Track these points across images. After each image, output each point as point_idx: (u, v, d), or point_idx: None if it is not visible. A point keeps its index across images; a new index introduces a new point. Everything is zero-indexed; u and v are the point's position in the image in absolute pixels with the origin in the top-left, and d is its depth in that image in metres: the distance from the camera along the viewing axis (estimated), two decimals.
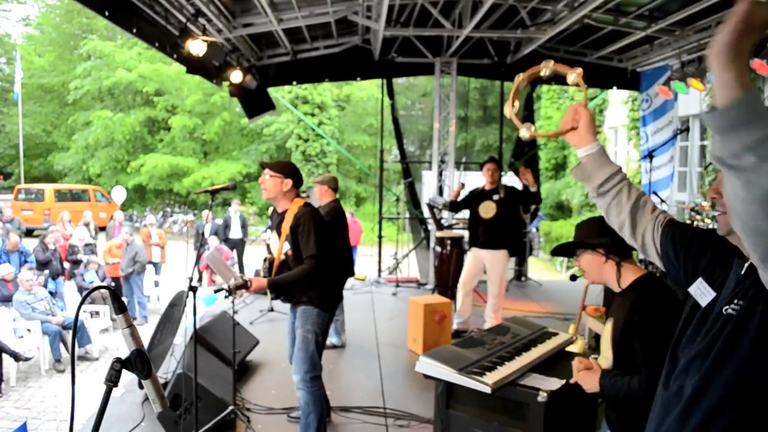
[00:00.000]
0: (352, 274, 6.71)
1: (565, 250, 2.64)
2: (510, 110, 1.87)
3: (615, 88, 10.62)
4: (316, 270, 3.80)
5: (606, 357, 2.56)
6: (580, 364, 2.53)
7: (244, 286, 3.78)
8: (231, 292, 3.77)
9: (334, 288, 4.13)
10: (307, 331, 3.90)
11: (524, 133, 1.88)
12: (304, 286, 3.91)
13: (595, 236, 2.50)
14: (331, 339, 6.59)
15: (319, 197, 6.41)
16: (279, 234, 4.00)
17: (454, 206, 6.97)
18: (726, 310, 1.42)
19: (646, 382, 2.26)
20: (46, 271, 10.24)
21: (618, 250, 2.46)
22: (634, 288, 2.44)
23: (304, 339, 3.90)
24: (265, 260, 4.14)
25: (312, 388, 3.91)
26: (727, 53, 1.08)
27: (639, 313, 2.35)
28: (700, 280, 1.58)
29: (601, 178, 1.79)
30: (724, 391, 1.37)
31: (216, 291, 3.94)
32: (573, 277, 2.73)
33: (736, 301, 1.41)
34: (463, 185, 6.96)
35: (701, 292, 1.57)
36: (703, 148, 13.93)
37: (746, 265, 1.43)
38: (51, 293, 9.07)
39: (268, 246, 4.23)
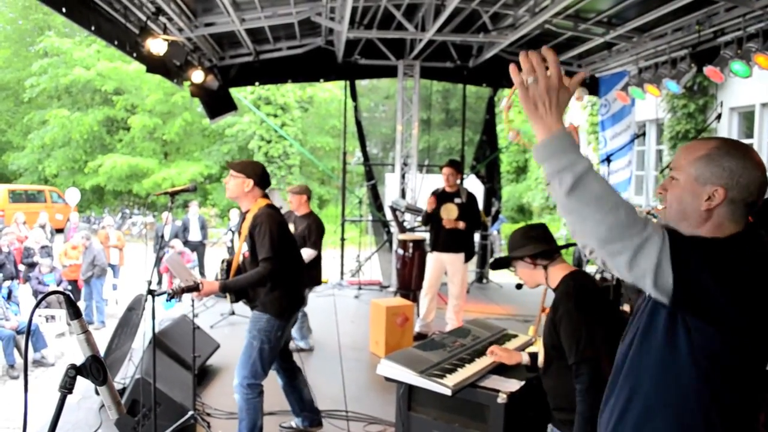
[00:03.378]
0: (319, 282, 6.69)
1: (501, 264, 2.88)
2: (506, 116, 2.05)
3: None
4: (270, 273, 3.71)
5: (540, 352, 2.68)
6: (495, 350, 3.13)
7: (195, 288, 3.69)
8: (174, 294, 3.65)
9: (291, 296, 3.89)
10: (252, 337, 3.82)
11: (511, 135, 2.04)
12: (257, 291, 3.83)
13: (519, 246, 2.71)
14: (299, 343, 6.56)
15: (297, 208, 6.40)
16: (240, 235, 3.96)
17: (429, 218, 6.92)
18: (642, 301, 1.68)
19: (590, 380, 2.36)
20: (0, 275, 9.96)
21: (542, 254, 2.66)
22: (562, 284, 2.61)
23: (248, 344, 3.84)
24: (222, 261, 4.08)
25: (247, 395, 3.82)
26: (529, 113, 1.52)
27: (560, 306, 2.51)
28: None
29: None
30: (646, 369, 1.60)
31: (157, 294, 3.81)
32: (518, 286, 2.91)
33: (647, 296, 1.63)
34: (435, 197, 6.85)
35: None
36: (659, 152, 14.26)
37: None
38: (4, 297, 8.83)
39: (230, 248, 4.17)
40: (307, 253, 5.94)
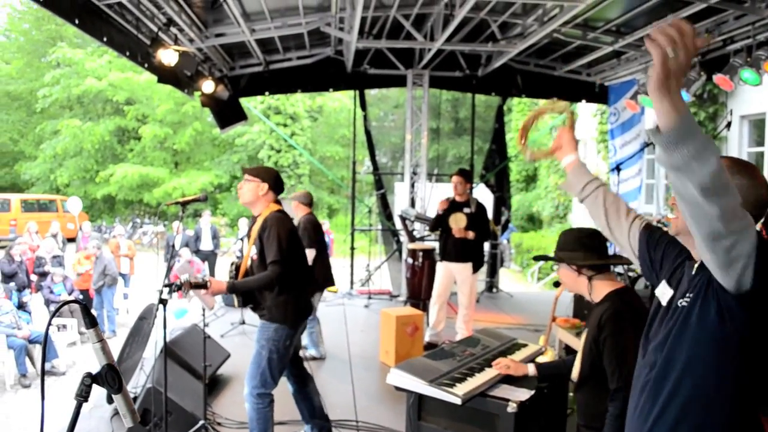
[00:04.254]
0: (332, 284, 6.71)
1: (545, 259, 2.84)
2: (520, 143, 2.05)
3: (584, 101, 10.80)
4: (279, 277, 3.68)
5: (576, 366, 2.62)
6: (500, 364, 3.12)
7: (203, 285, 3.69)
8: (182, 287, 3.63)
9: (298, 303, 3.88)
10: (261, 347, 3.81)
11: (528, 157, 2.05)
12: (264, 296, 3.82)
13: (569, 250, 2.62)
14: (310, 351, 6.57)
15: (294, 212, 6.47)
16: (249, 238, 3.96)
17: (436, 223, 6.93)
18: (680, 303, 1.69)
19: (623, 404, 2.25)
20: (12, 284, 10.03)
21: (591, 264, 2.57)
22: (607, 301, 2.51)
23: (257, 353, 3.83)
24: (232, 264, 4.09)
25: (258, 404, 3.82)
26: (660, 91, 1.36)
27: (607, 327, 2.42)
28: (663, 282, 1.84)
29: (580, 186, 2.12)
30: (684, 366, 1.63)
31: (166, 285, 3.78)
32: (556, 284, 2.85)
33: (687, 295, 1.68)
34: (448, 202, 6.82)
35: (663, 292, 1.82)
36: None
37: (696, 265, 1.71)
38: (17, 306, 8.89)
39: (239, 257, 4.16)
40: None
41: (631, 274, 6.56)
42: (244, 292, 3.87)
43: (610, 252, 2.75)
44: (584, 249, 2.58)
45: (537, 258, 3.03)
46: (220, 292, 3.81)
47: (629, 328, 2.37)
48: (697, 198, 1.38)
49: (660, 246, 1.91)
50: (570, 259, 2.59)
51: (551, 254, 2.72)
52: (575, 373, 2.64)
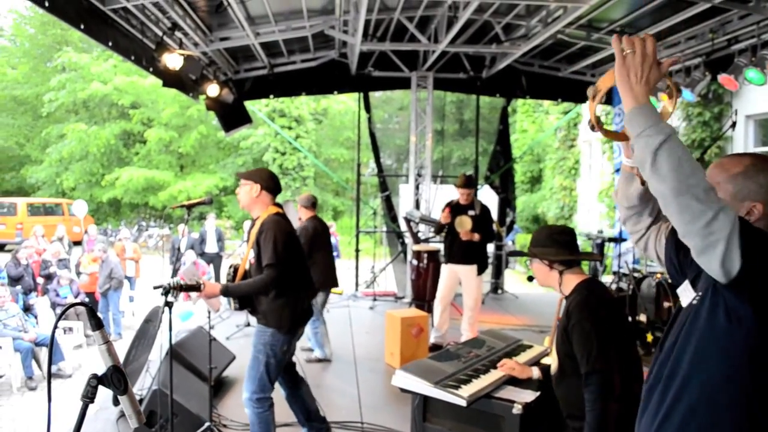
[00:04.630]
0: (335, 285, 6.71)
1: (518, 254, 2.91)
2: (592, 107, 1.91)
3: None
4: (273, 281, 3.64)
5: (553, 360, 2.67)
6: (505, 366, 3.18)
7: (197, 288, 3.64)
8: (172, 289, 3.57)
9: (294, 308, 3.82)
10: (258, 351, 3.79)
11: (591, 128, 1.97)
12: (260, 300, 3.79)
13: (542, 246, 2.73)
14: (316, 353, 6.58)
15: (299, 215, 6.50)
16: (248, 242, 3.95)
17: (442, 228, 6.94)
18: (693, 302, 1.70)
19: (597, 387, 2.37)
20: (19, 287, 10.07)
21: (563, 260, 2.68)
22: (575, 292, 2.62)
23: (254, 359, 3.81)
24: (230, 266, 4.08)
25: (258, 409, 3.81)
26: (622, 81, 1.63)
27: (573, 315, 2.52)
28: (686, 282, 1.80)
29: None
30: (691, 362, 1.63)
31: (155, 287, 3.75)
32: (530, 278, 2.93)
33: (699, 293, 1.68)
34: (450, 208, 6.82)
35: (685, 293, 1.79)
36: None
37: None
38: (23, 309, 8.92)
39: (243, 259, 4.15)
40: None
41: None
42: (240, 296, 3.83)
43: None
44: (556, 245, 2.70)
45: (511, 254, 3.13)
46: (213, 295, 3.76)
47: (594, 313, 2.48)
48: (652, 181, 1.52)
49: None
50: (542, 255, 2.70)
51: (525, 251, 2.83)
52: (553, 367, 2.71)
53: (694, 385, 1.62)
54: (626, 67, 1.62)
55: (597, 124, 1.85)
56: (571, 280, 2.67)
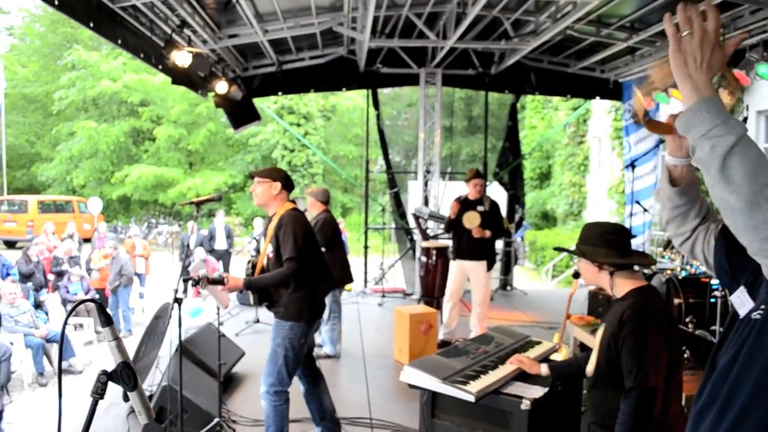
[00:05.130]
0: (351, 280, 6.73)
1: (565, 251, 2.79)
2: (641, 102, 1.77)
3: (598, 98, 10.74)
4: (294, 273, 3.71)
5: (591, 361, 2.60)
6: (516, 360, 3.18)
7: (221, 281, 3.72)
8: (200, 281, 3.68)
9: (312, 299, 3.93)
10: (277, 345, 3.85)
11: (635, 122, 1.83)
12: (279, 293, 3.86)
13: (591, 245, 2.57)
14: (325, 349, 6.60)
15: (309, 209, 6.49)
16: (266, 237, 3.99)
17: (451, 225, 6.92)
18: (753, 315, 1.48)
19: (637, 403, 2.25)
20: (30, 284, 10.14)
21: (613, 263, 2.51)
22: (629, 298, 2.46)
23: (273, 352, 3.87)
24: (248, 262, 4.12)
25: (274, 402, 3.86)
26: (679, 69, 1.36)
27: (629, 324, 2.37)
28: (741, 288, 1.60)
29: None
30: (752, 392, 1.40)
31: (185, 280, 3.82)
32: (576, 275, 2.81)
33: (762, 307, 1.46)
34: (459, 203, 6.81)
35: (741, 301, 1.59)
36: None
37: None
38: (34, 306, 8.98)
39: (254, 256, 4.18)
40: None
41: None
42: (260, 290, 3.92)
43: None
44: (606, 245, 2.53)
45: (557, 249, 3.01)
46: (237, 288, 3.85)
47: (652, 327, 2.33)
48: (717, 189, 1.28)
49: (740, 250, 1.60)
50: (591, 255, 2.54)
51: (571, 251, 2.68)
52: (590, 368, 2.61)
53: (756, 417, 1.38)
54: (683, 52, 1.36)
55: (644, 119, 1.68)
56: (625, 284, 2.51)
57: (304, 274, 3.79)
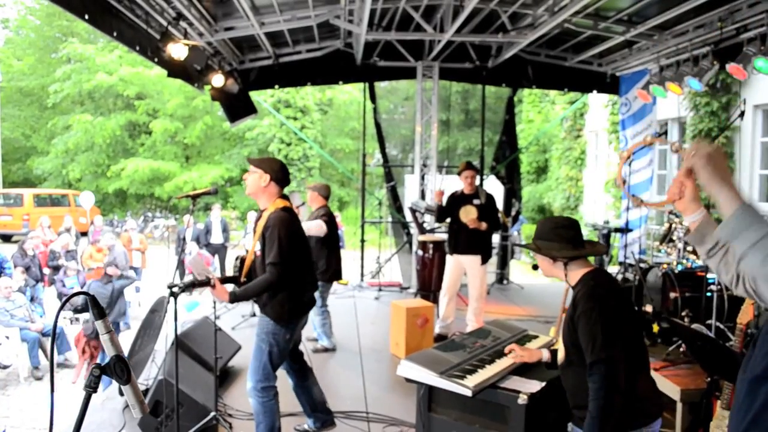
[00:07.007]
0: (340, 277, 6.73)
1: (525, 246, 2.94)
2: (620, 180, 1.96)
3: (595, 91, 10.74)
4: (277, 279, 3.67)
5: (560, 350, 2.67)
6: (514, 348, 3.21)
7: (206, 283, 3.69)
8: (185, 289, 3.69)
9: (294, 301, 3.86)
10: (261, 341, 3.83)
11: (633, 204, 1.95)
12: (265, 295, 3.82)
13: (546, 239, 2.72)
14: (322, 342, 6.59)
15: (310, 203, 6.49)
16: (255, 233, 3.94)
17: (442, 214, 6.95)
18: None
19: (600, 376, 2.36)
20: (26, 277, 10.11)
21: (566, 255, 2.66)
22: (580, 282, 2.61)
23: (257, 348, 3.84)
24: (237, 258, 4.09)
25: (262, 398, 3.84)
26: (715, 183, 1.59)
27: (580, 305, 2.51)
28: None
29: (710, 244, 1.80)
30: None
31: (170, 287, 3.77)
32: (535, 267, 2.91)
33: None
34: (442, 192, 6.93)
35: None
36: None
37: None
38: (30, 300, 8.96)
39: (248, 251, 4.15)
40: (315, 224, 6.07)
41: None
42: (248, 299, 3.93)
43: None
44: (559, 239, 2.68)
45: (517, 245, 3.14)
46: (223, 300, 3.81)
47: (601, 303, 2.47)
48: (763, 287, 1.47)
49: None
50: (546, 249, 2.69)
51: (530, 242, 2.82)
52: (559, 357, 2.70)
53: None
54: (709, 163, 1.61)
55: (639, 202, 1.98)
56: (577, 271, 2.64)
57: (287, 278, 3.74)
